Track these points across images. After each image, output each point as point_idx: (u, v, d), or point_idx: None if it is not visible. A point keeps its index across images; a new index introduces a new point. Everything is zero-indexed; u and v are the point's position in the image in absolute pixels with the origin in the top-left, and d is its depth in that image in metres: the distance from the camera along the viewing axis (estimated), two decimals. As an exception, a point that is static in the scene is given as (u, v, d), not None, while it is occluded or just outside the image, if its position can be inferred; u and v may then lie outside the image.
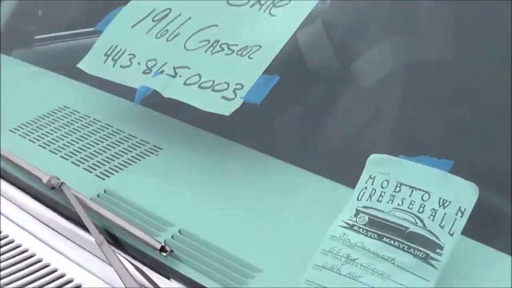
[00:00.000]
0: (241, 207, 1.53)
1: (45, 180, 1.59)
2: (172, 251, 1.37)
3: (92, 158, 1.70)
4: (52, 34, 2.63)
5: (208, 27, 1.70)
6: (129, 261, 1.38)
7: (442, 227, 1.19)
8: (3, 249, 1.54)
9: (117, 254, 1.37)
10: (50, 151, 1.76)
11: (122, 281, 1.30)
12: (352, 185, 1.29)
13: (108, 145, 1.75)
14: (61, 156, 1.73)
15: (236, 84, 1.54)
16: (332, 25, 1.95)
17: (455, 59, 1.63)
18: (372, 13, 1.86)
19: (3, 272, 1.46)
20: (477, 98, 1.54)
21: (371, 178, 1.27)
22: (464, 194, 1.21)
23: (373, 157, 1.29)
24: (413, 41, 1.77)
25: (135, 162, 1.68)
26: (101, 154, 1.72)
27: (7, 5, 2.63)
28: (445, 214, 1.20)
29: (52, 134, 1.83)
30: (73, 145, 1.77)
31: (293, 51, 1.80)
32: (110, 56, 1.78)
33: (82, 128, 1.84)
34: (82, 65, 1.84)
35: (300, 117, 1.74)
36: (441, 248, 1.18)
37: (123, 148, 1.73)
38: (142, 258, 1.40)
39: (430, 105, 1.60)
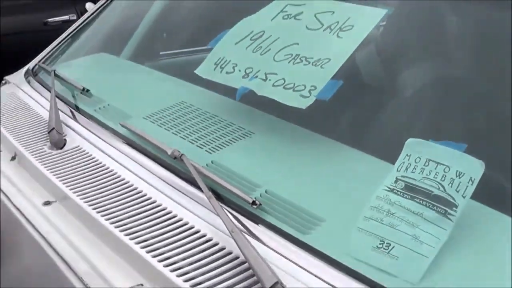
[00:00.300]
0: (311, 174, 1.54)
1: (169, 152, 1.63)
2: (260, 204, 1.42)
3: (203, 138, 1.74)
4: (173, 51, 2.65)
5: (291, 45, 1.70)
6: (229, 211, 1.42)
7: (458, 192, 1.22)
8: (138, 200, 1.58)
9: (221, 206, 1.41)
10: (172, 132, 1.80)
11: (224, 224, 1.35)
12: (393, 161, 1.30)
13: (214, 129, 1.77)
14: (180, 136, 1.77)
15: (311, 86, 1.55)
16: (381, 48, 1.93)
17: (474, 74, 1.62)
18: (412, 39, 1.85)
19: (139, 216, 1.52)
20: (490, 104, 1.54)
21: (407, 156, 1.29)
22: (474, 168, 1.22)
23: (410, 140, 1.31)
24: (442, 61, 1.74)
25: (234, 142, 1.70)
26: (209, 136, 1.74)
27: (141, 29, 2.66)
28: (460, 182, 1.22)
29: (174, 121, 1.86)
30: (189, 129, 1.80)
31: (352, 65, 1.81)
32: (219, 65, 1.80)
33: (195, 117, 1.86)
34: (198, 71, 1.85)
35: (356, 113, 1.73)
36: (456, 206, 1.20)
37: (225, 131, 1.75)
38: (238, 209, 1.45)
39: (453, 107, 1.59)
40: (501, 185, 1.41)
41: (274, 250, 1.33)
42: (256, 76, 1.68)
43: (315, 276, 1.25)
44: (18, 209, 1.73)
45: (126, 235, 1.46)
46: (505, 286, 1.12)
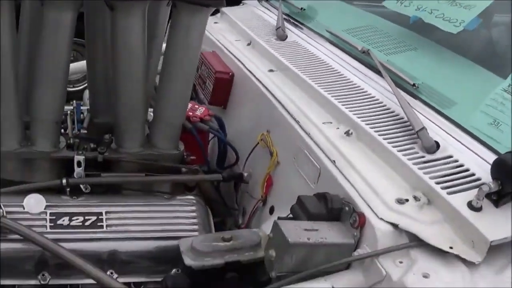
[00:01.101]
0: (452, 74, 1.67)
1: (359, 48, 1.82)
2: (418, 87, 1.60)
3: (382, 46, 1.87)
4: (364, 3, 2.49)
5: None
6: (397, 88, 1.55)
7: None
8: (337, 76, 1.75)
9: (393, 84, 1.55)
10: (362, 40, 1.92)
11: (394, 94, 1.51)
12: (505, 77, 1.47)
13: (390, 42, 1.90)
14: (367, 43, 1.88)
15: (461, 20, 1.66)
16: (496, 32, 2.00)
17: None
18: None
19: (337, 85, 1.69)
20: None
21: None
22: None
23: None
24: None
25: (403, 52, 1.82)
26: (386, 46, 1.87)
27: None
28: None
29: (363, 34, 1.99)
30: (373, 39, 1.93)
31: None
32: (399, 1, 1.89)
33: (378, 35, 1.99)
34: (385, 3, 1.96)
35: (485, 45, 1.85)
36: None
37: (398, 45, 1.88)
38: (403, 89, 1.58)
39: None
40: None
41: (423, 115, 1.51)
42: (425, 10, 1.79)
43: (447, 133, 1.44)
44: (250, 72, 1.94)
45: (325, 91, 1.65)
46: None
